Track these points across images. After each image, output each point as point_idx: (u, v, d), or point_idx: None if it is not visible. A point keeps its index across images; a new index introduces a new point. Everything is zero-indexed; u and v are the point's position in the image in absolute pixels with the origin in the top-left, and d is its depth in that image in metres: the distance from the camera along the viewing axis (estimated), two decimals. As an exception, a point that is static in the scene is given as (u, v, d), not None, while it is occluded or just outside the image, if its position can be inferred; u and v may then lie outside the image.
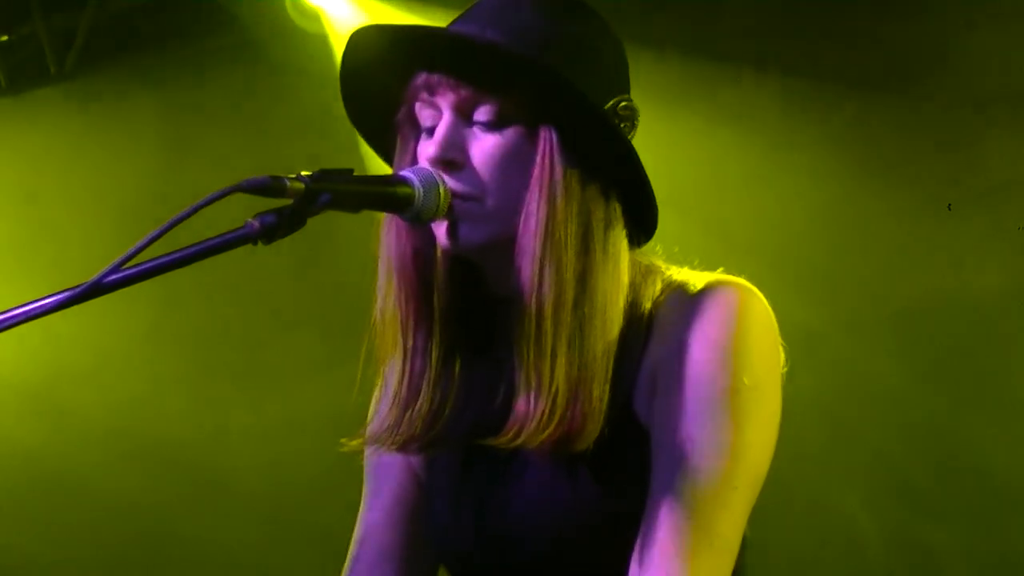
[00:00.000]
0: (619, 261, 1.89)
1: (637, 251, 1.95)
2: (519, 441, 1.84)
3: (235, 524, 6.26)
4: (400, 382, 1.96)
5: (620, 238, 1.90)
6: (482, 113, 1.86)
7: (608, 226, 1.88)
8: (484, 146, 1.86)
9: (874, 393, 5.32)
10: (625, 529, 1.83)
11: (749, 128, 5.42)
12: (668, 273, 1.94)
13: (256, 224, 1.66)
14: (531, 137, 1.85)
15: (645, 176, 1.88)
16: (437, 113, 1.88)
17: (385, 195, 1.82)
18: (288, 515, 6.18)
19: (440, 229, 1.88)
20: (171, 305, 6.13)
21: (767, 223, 5.39)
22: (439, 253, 1.94)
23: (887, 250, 5.34)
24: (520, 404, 1.86)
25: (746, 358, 1.83)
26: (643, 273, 1.93)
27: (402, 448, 1.98)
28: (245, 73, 6.13)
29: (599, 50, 1.92)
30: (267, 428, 6.24)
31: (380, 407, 2.04)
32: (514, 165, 1.85)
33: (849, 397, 5.29)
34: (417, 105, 1.91)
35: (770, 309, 1.88)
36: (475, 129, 1.87)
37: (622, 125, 1.90)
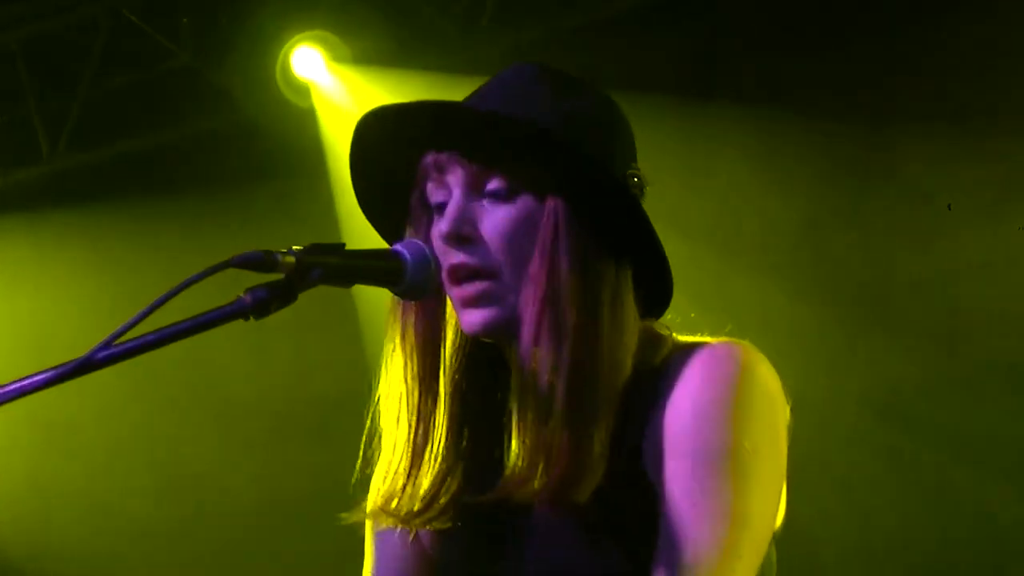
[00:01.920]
0: (625, 330, 1.87)
1: (651, 321, 1.94)
2: (507, 493, 1.83)
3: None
4: (402, 455, 1.94)
5: (629, 308, 1.89)
6: (492, 185, 1.86)
7: (616, 295, 1.87)
8: (495, 219, 1.86)
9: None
10: None
11: (739, 143, 5.47)
12: (677, 337, 1.93)
13: (248, 299, 1.66)
14: (541, 207, 1.86)
15: (659, 245, 1.88)
16: (448, 191, 1.89)
17: (376, 269, 1.83)
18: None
19: (463, 317, 1.88)
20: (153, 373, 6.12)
21: (761, 235, 5.42)
22: (449, 328, 1.94)
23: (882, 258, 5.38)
24: (515, 462, 1.84)
25: (746, 421, 1.81)
26: (653, 339, 1.92)
27: (404, 523, 1.96)
28: (237, 149, 6.17)
29: (607, 124, 1.93)
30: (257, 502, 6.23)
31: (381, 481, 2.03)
32: (525, 236, 1.85)
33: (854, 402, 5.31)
34: (429, 185, 1.91)
35: (773, 371, 1.87)
36: (485, 202, 1.87)
37: (632, 194, 1.90)
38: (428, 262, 1.85)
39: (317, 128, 5.81)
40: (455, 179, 1.88)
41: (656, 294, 1.93)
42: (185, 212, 6.30)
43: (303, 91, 5.76)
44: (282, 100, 5.74)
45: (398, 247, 1.85)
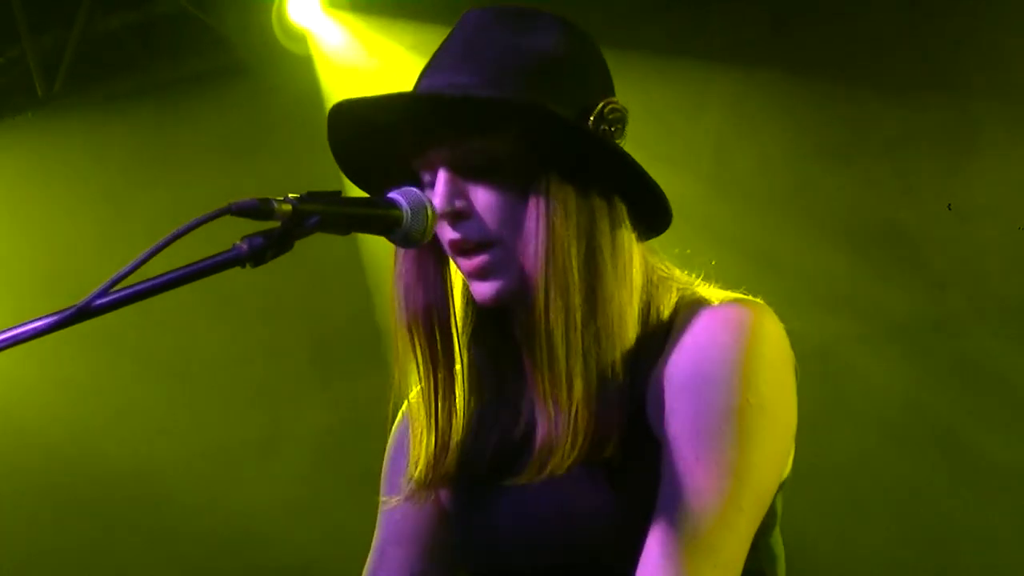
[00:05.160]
0: (629, 263, 1.90)
1: (650, 254, 1.96)
2: (546, 473, 1.86)
3: (221, 542, 6.25)
4: (422, 433, 1.98)
5: (628, 240, 1.91)
6: (475, 159, 1.88)
7: (614, 230, 1.89)
8: (484, 191, 1.88)
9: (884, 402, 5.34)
10: (640, 539, 1.83)
11: (754, 134, 5.45)
12: (684, 283, 1.95)
13: (244, 246, 1.66)
14: (525, 170, 1.87)
15: (644, 173, 1.89)
16: (432, 167, 1.90)
17: (373, 217, 1.83)
18: (271, 533, 6.17)
19: (474, 288, 1.91)
20: (154, 326, 6.12)
21: (770, 231, 5.41)
22: (454, 294, 1.97)
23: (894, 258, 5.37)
24: (542, 435, 1.88)
25: (754, 377, 1.82)
26: (658, 278, 1.94)
27: (430, 488, 2.00)
28: (232, 94, 6.14)
29: (575, 60, 1.93)
30: (252, 448, 6.24)
31: (404, 452, 2.06)
32: (516, 201, 1.87)
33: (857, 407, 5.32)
34: (413, 162, 1.93)
35: (783, 331, 1.89)
36: (472, 175, 1.89)
37: (612, 129, 1.91)
38: (425, 210, 1.85)
39: (314, 74, 5.78)
40: (438, 157, 1.89)
41: (655, 220, 1.96)
42: (180, 156, 6.28)
43: (299, 38, 5.73)
44: (279, 47, 5.70)
45: (395, 195, 1.85)
